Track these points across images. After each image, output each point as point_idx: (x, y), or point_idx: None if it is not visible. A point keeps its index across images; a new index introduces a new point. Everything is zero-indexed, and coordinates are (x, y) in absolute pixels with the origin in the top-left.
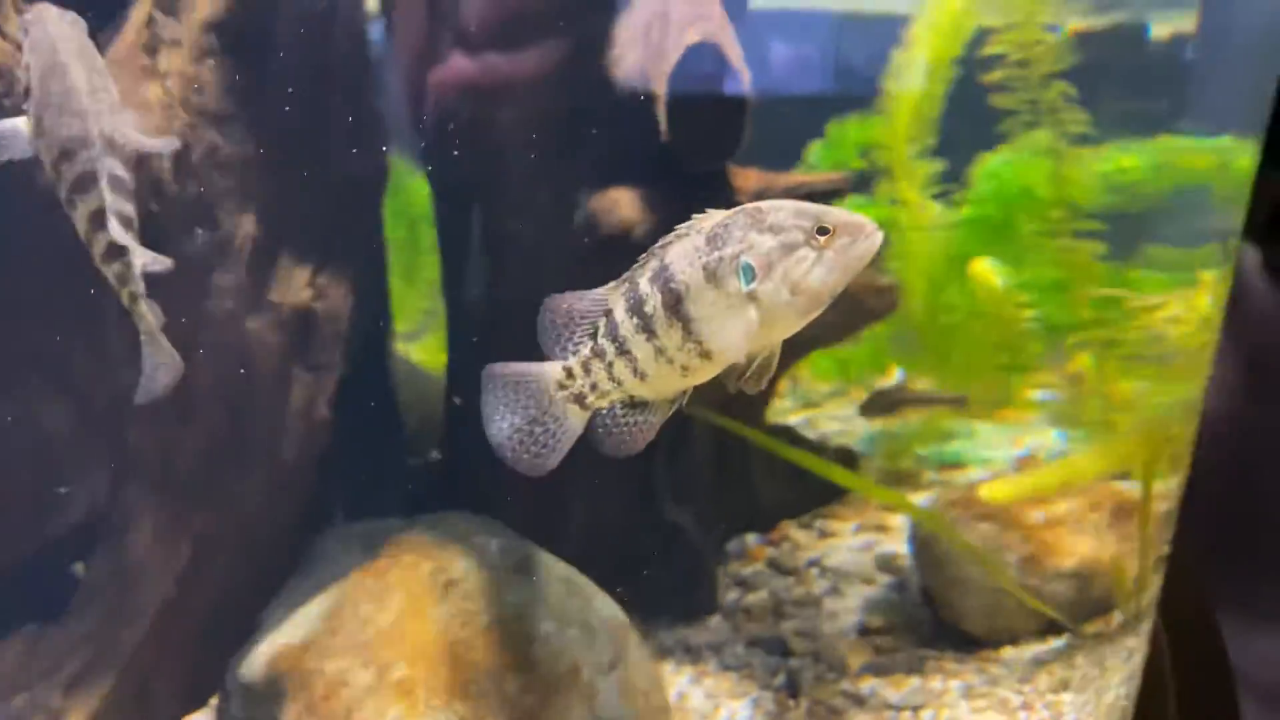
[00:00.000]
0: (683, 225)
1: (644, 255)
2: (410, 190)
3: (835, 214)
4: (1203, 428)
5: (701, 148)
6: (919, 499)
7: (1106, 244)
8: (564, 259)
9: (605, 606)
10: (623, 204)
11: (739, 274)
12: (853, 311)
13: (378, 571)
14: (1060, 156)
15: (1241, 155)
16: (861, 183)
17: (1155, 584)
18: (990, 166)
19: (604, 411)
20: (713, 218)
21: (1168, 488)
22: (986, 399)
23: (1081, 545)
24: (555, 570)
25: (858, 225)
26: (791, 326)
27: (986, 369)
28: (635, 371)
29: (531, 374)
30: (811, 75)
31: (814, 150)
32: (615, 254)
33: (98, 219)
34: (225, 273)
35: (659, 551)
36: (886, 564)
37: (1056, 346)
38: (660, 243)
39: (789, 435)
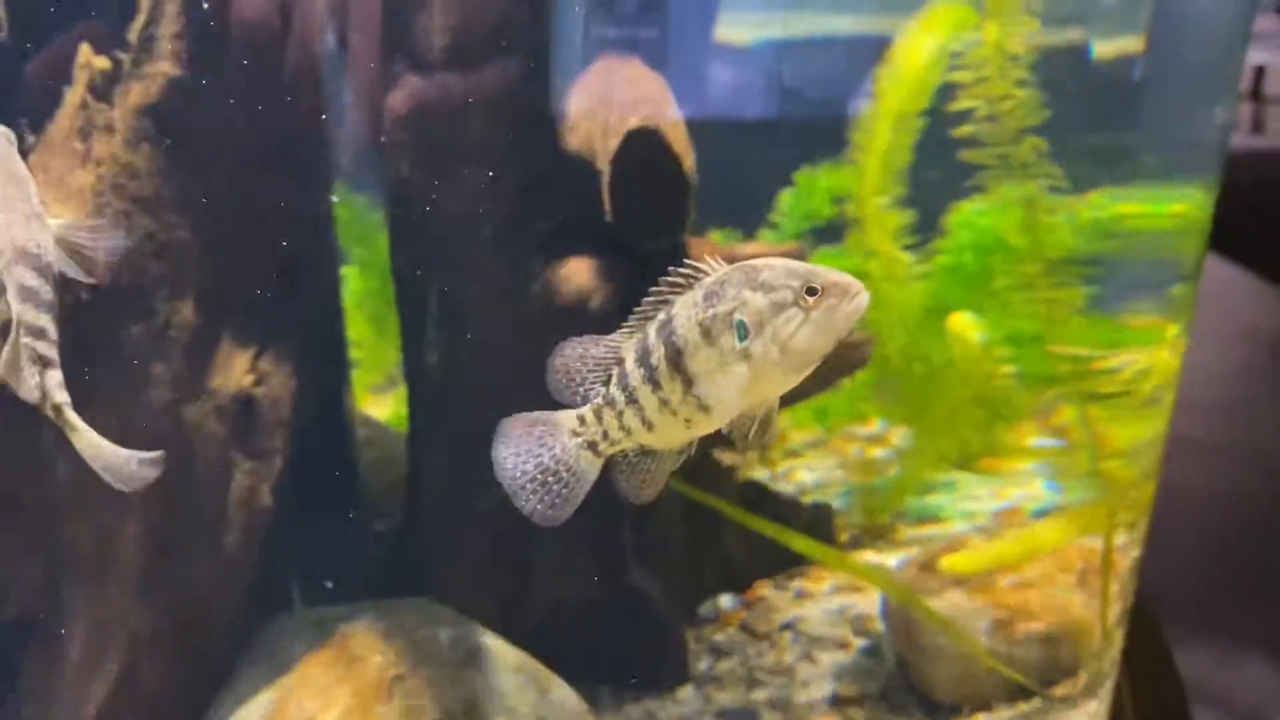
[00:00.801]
0: (690, 270)
1: (653, 302)
2: (381, 240)
3: (823, 274)
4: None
5: (643, 230)
6: (891, 559)
7: (1098, 291)
8: (519, 328)
9: (562, 696)
10: (580, 273)
11: (733, 331)
12: (826, 365)
13: (323, 665)
14: (1035, 206)
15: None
16: (833, 232)
17: (1119, 639)
18: (965, 215)
19: (620, 457)
20: (715, 270)
21: (1132, 539)
22: (967, 450)
23: (1051, 607)
24: (509, 660)
25: (844, 286)
26: (783, 385)
27: (966, 422)
28: (643, 421)
29: (546, 421)
30: (766, 102)
31: (785, 198)
32: (572, 324)
33: (6, 331)
34: (161, 362)
35: (626, 621)
36: (861, 627)
37: (1039, 399)
38: (670, 287)
39: (761, 491)
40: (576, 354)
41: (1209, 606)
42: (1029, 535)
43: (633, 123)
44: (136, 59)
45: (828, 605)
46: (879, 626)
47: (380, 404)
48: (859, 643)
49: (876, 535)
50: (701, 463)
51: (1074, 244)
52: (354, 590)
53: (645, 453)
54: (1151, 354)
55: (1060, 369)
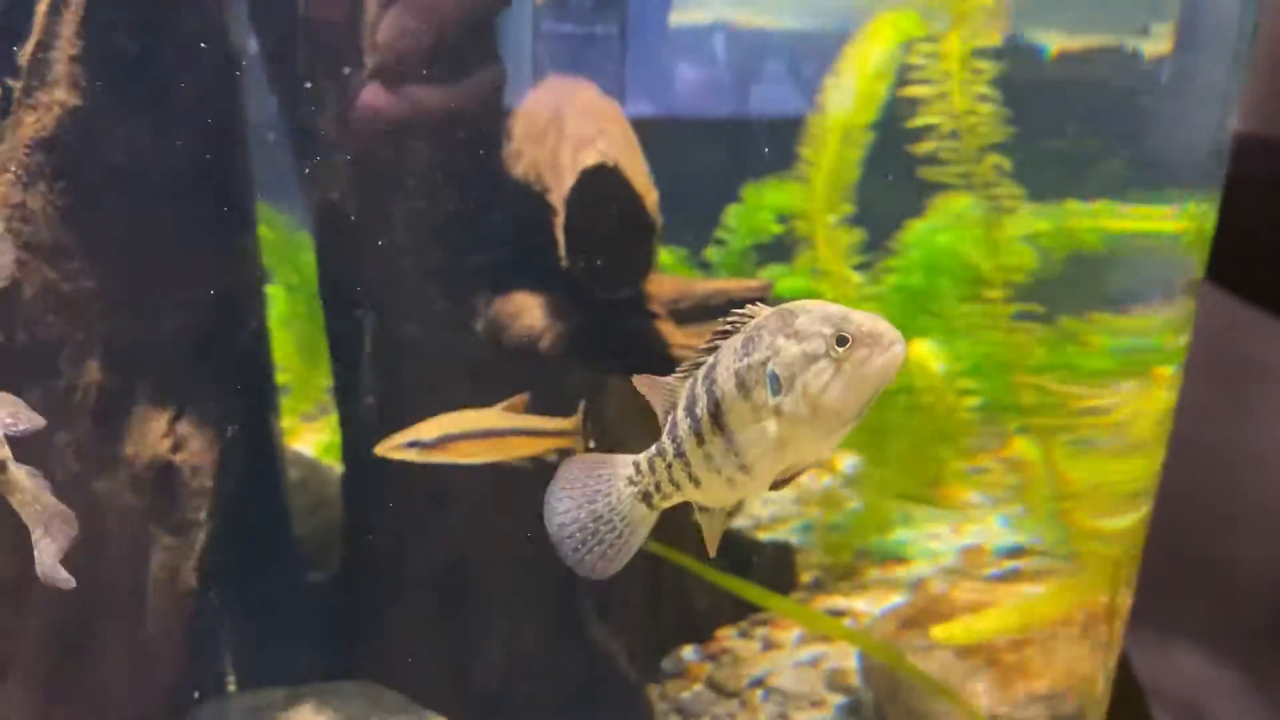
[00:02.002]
0: (739, 313)
1: (707, 346)
2: (309, 260)
3: (856, 321)
4: None
5: (603, 277)
6: (860, 603)
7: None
8: (462, 370)
9: None
10: (529, 310)
11: (766, 384)
12: None
13: None
14: (993, 227)
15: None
16: (780, 250)
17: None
18: (918, 233)
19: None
20: (760, 313)
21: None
22: (924, 480)
23: (1054, 664)
24: None
25: (876, 335)
26: (817, 447)
27: (926, 457)
28: (690, 476)
29: (604, 465)
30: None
31: (732, 214)
32: (519, 364)
33: None
34: (66, 429)
35: (586, 684)
36: (837, 682)
37: (992, 428)
38: (720, 329)
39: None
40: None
41: (1142, 597)
42: (1032, 604)
43: (589, 160)
44: (28, 86)
45: (797, 656)
46: (856, 682)
47: (313, 432)
48: (836, 700)
49: (840, 576)
50: None
51: (1036, 264)
52: (292, 664)
53: (700, 509)
54: (1143, 394)
55: (1025, 400)
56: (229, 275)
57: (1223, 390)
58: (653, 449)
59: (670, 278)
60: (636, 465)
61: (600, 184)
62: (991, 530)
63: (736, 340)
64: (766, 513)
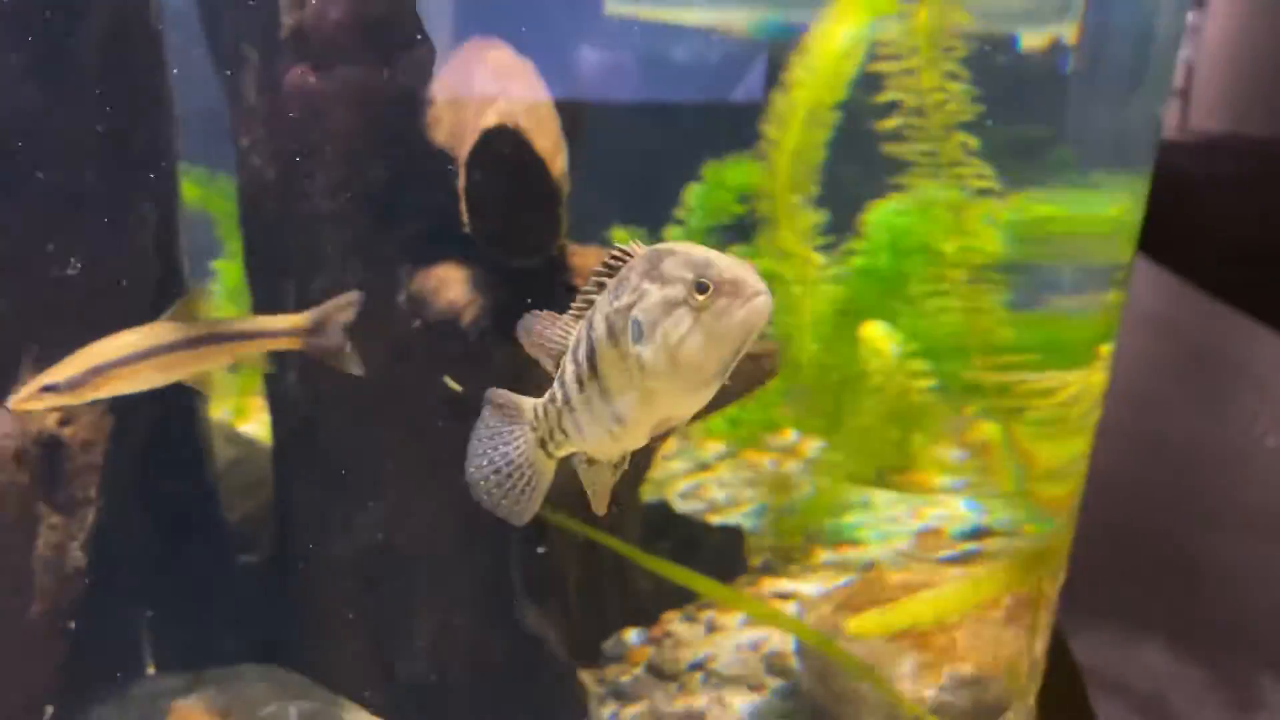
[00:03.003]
0: (623, 250)
1: (595, 283)
2: None
3: (719, 266)
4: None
5: (504, 245)
6: (806, 586)
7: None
8: (384, 346)
9: None
10: (451, 284)
11: (630, 330)
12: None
13: None
14: (959, 209)
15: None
16: (741, 230)
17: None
18: (882, 215)
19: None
20: (639, 252)
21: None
22: (883, 466)
23: (979, 647)
24: None
25: (737, 284)
26: (681, 403)
27: (881, 438)
28: (575, 424)
29: (513, 406)
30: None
31: (693, 193)
32: (441, 340)
33: None
34: None
35: (518, 669)
36: (776, 665)
37: (955, 412)
38: (605, 265)
39: (666, 514)
40: (535, 332)
41: (1107, 593)
42: (939, 600)
43: (490, 120)
44: None
45: (740, 639)
46: (795, 665)
47: (263, 410)
48: (774, 683)
49: (789, 558)
50: None
51: (1001, 249)
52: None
53: (589, 461)
54: (1084, 375)
55: (984, 382)
56: (130, 238)
57: (1196, 389)
58: (547, 394)
59: (595, 249)
60: (535, 410)
61: (500, 146)
62: (954, 514)
63: (612, 282)
64: (721, 496)
